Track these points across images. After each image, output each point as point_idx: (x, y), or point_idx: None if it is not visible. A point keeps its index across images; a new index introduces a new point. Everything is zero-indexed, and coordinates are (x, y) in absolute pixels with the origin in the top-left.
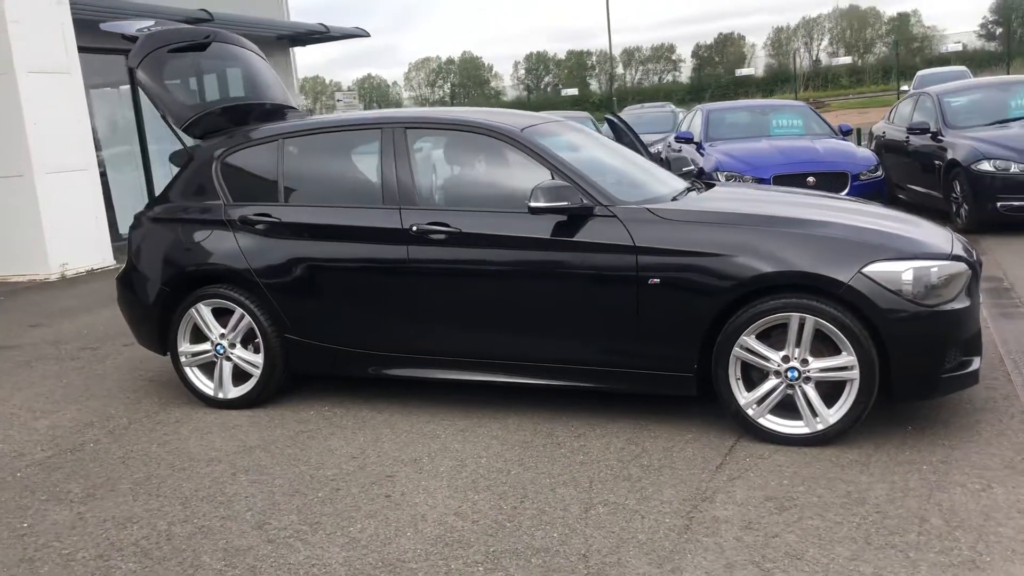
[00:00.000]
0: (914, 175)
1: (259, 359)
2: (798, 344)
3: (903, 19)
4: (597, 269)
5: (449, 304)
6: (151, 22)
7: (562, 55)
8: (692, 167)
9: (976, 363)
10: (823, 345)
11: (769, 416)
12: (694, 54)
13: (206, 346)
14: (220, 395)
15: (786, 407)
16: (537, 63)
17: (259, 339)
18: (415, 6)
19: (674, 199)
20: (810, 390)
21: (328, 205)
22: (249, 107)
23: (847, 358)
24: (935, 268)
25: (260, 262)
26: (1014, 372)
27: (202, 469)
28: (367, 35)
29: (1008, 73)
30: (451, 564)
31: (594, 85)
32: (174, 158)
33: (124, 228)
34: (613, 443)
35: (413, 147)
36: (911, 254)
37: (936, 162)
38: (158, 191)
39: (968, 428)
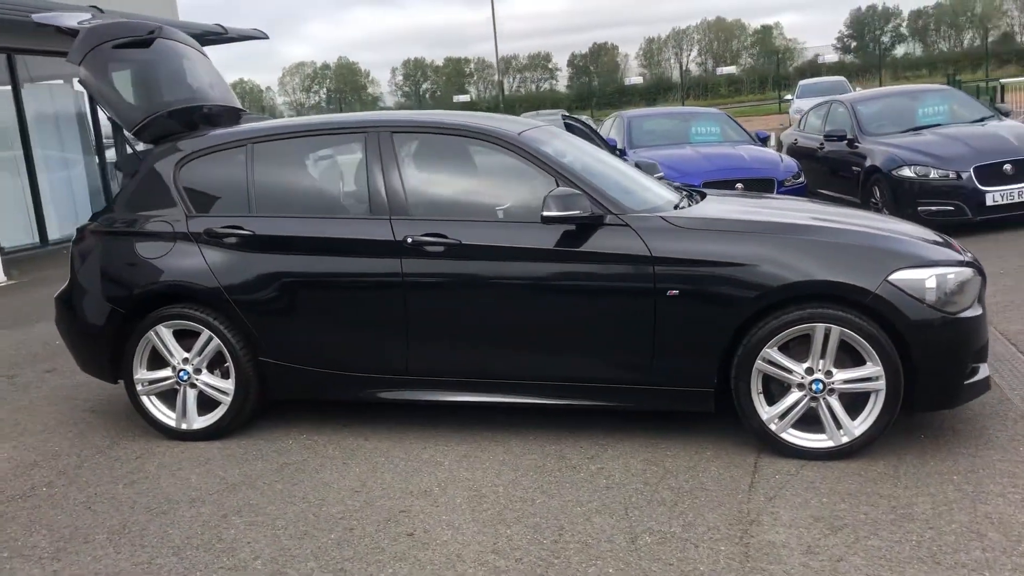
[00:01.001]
0: (829, 180)
1: (229, 385)
2: (822, 355)
3: (766, 31)
4: (611, 281)
5: (449, 321)
6: (88, 15)
7: (440, 62)
8: (662, 173)
9: (985, 370)
10: (844, 356)
11: (791, 430)
12: (570, 63)
13: (166, 372)
14: (183, 426)
15: (806, 420)
16: (415, 69)
17: (229, 363)
18: (284, 9)
19: (677, 207)
20: (834, 402)
21: (308, 216)
22: (198, 110)
23: (873, 368)
24: (952, 275)
25: (231, 279)
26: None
27: (185, 512)
28: (266, 37)
29: (880, 83)
30: None
31: (473, 92)
32: (122, 164)
33: (3, 241)
34: (631, 464)
35: (401, 152)
36: (930, 261)
37: (854, 168)
38: (45, 200)
39: (979, 435)
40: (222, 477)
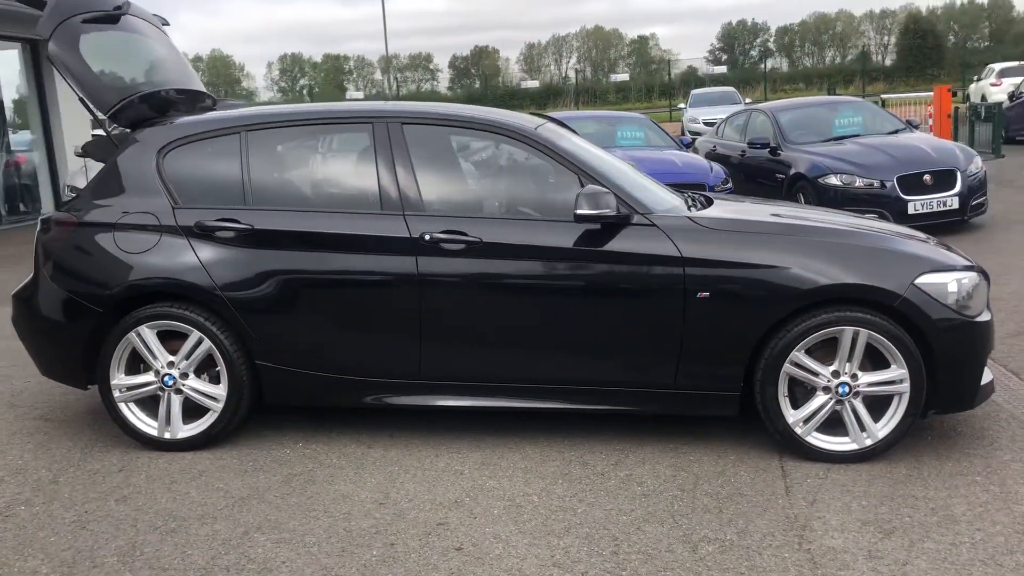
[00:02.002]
0: (751, 187)
1: (220, 391)
2: (849, 358)
3: (643, 41)
4: (639, 282)
5: (466, 322)
6: None
7: (318, 58)
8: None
9: (989, 373)
10: (866, 359)
11: (815, 434)
12: (451, 65)
13: (148, 377)
14: (167, 435)
15: (828, 423)
16: (292, 65)
17: (221, 367)
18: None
19: (691, 208)
20: (859, 405)
21: (313, 210)
22: (169, 93)
23: (898, 371)
24: (967, 279)
25: (227, 276)
26: None
27: (199, 530)
28: (166, 24)
29: (764, 96)
30: None
31: (352, 90)
32: (91, 149)
33: None
34: (659, 470)
35: (412, 145)
36: (950, 265)
37: (778, 175)
38: None
39: (980, 436)
40: (225, 490)
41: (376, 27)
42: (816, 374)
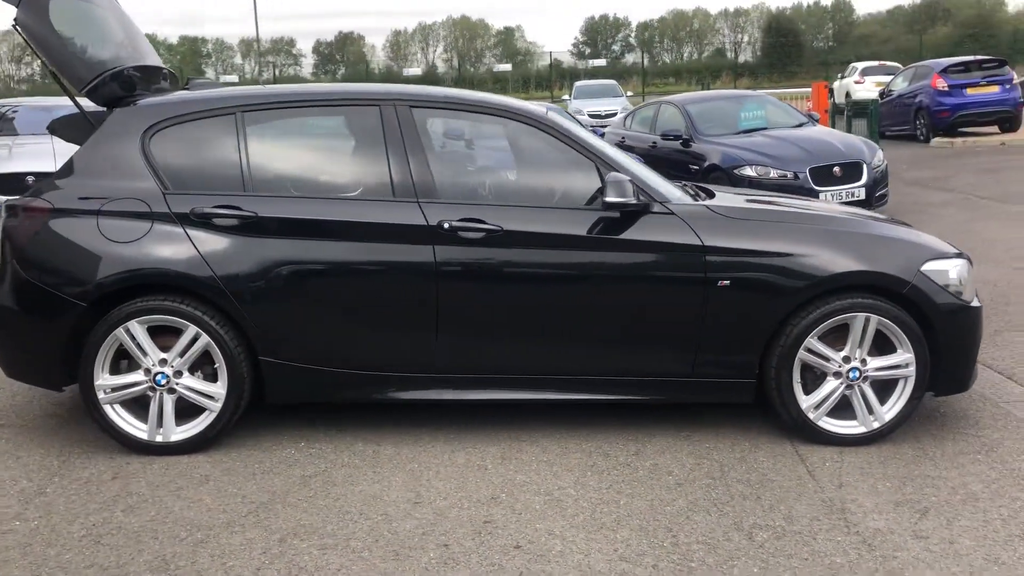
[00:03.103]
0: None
1: (218, 389)
2: (859, 344)
3: (509, 33)
4: (661, 270)
5: (484, 312)
6: None
7: (174, 40)
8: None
9: None
10: (872, 344)
11: (826, 418)
12: (315, 50)
13: (137, 376)
14: (158, 438)
15: (836, 407)
16: None
17: (220, 364)
18: None
19: (697, 198)
20: (867, 389)
21: (319, 196)
22: (146, 70)
23: (904, 355)
24: (961, 266)
25: (228, 267)
26: None
27: (229, 539)
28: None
29: (643, 89)
30: None
31: (210, 73)
32: (61, 128)
33: None
34: (681, 459)
35: (423, 129)
36: (948, 253)
37: (692, 167)
38: None
39: (965, 416)
40: (241, 496)
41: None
42: (828, 360)
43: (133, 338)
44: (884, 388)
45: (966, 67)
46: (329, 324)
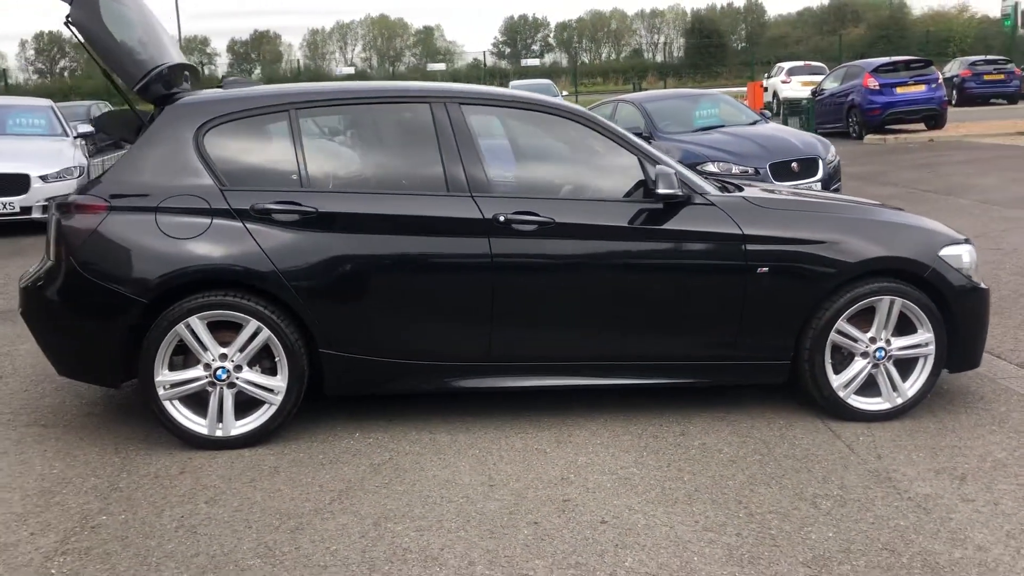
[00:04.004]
0: None
1: (279, 382)
2: (885, 325)
3: (428, 32)
4: (705, 259)
5: (538, 302)
6: None
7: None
8: None
9: None
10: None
11: (854, 396)
12: (230, 49)
13: (197, 371)
14: (218, 433)
15: (864, 386)
16: (50, 44)
17: (281, 357)
18: None
19: (731, 190)
20: (892, 368)
21: (376, 192)
22: (175, 67)
23: (925, 335)
24: (972, 250)
25: (290, 262)
26: None
27: (323, 524)
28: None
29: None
30: None
31: None
32: (108, 125)
33: None
34: (726, 438)
35: (472, 126)
36: (956, 239)
37: None
38: None
39: (967, 392)
40: (318, 485)
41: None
42: (856, 341)
43: (194, 333)
44: (905, 366)
45: (895, 67)
46: (388, 316)
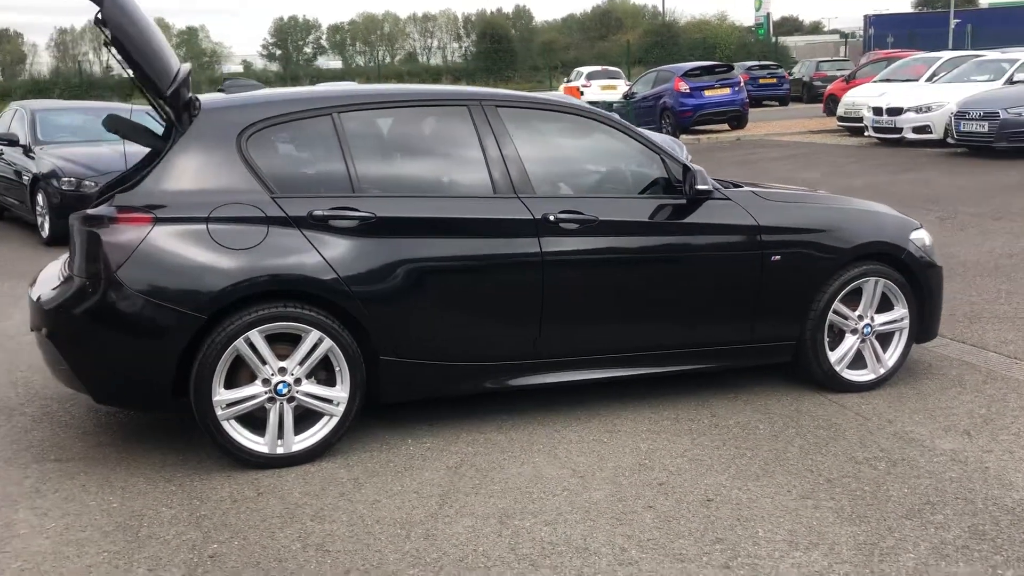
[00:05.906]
0: None
1: (340, 393)
2: (871, 304)
3: (192, 33)
4: (729, 250)
5: (583, 298)
6: None
7: None
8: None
9: None
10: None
11: (847, 370)
12: None
13: (256, 388)
14: (279, 450)
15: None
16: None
17: (342, 367)
18: None
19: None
20: (875, 342)
21: (427, 195)
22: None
23: (901, 311)
24: (928, 234)
25: (352, 269)
26: None
27: (450, 528)
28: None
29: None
30: (924, 541)
31: None
32: (121, 125)
33: None
34: (753, 416)
35: (511, 128)
36: (917, 224)
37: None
38: None
39: (919, 361)
40: (414, 491)
41: None
42: (847, 319)
43: (254, 348)
44: (884, 340)
45: (702, 71)
46: (447, 318)
